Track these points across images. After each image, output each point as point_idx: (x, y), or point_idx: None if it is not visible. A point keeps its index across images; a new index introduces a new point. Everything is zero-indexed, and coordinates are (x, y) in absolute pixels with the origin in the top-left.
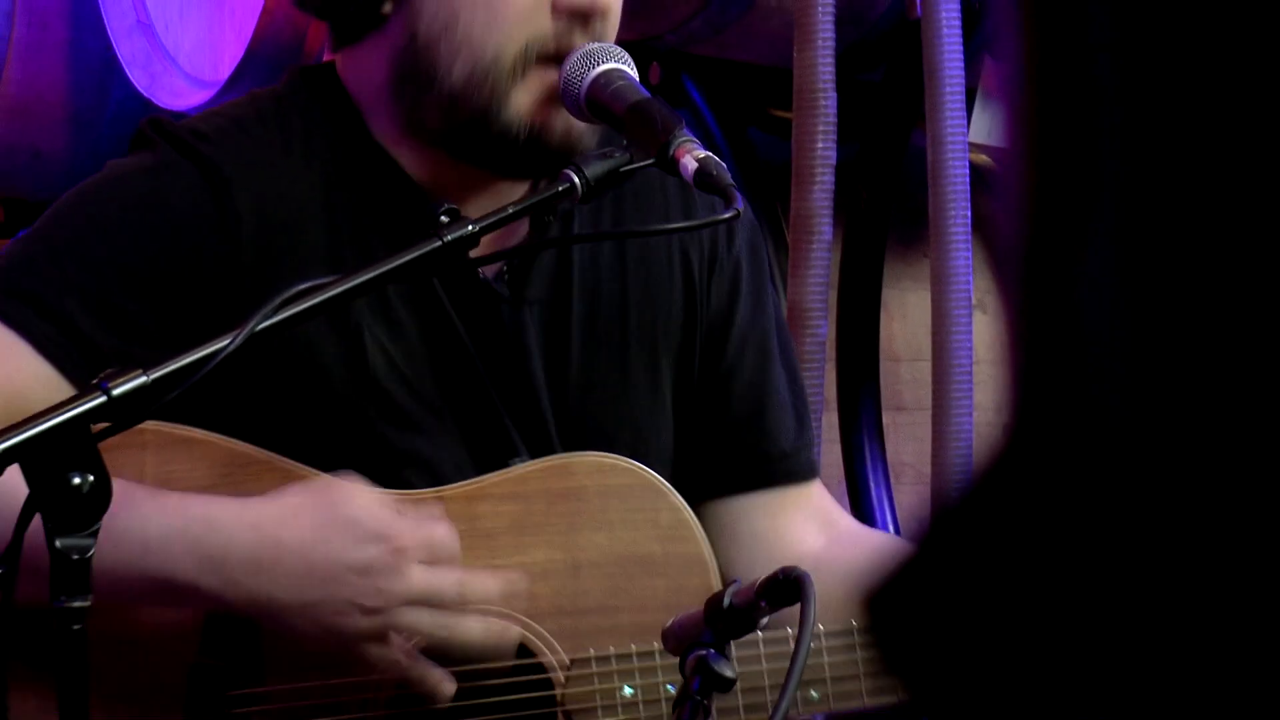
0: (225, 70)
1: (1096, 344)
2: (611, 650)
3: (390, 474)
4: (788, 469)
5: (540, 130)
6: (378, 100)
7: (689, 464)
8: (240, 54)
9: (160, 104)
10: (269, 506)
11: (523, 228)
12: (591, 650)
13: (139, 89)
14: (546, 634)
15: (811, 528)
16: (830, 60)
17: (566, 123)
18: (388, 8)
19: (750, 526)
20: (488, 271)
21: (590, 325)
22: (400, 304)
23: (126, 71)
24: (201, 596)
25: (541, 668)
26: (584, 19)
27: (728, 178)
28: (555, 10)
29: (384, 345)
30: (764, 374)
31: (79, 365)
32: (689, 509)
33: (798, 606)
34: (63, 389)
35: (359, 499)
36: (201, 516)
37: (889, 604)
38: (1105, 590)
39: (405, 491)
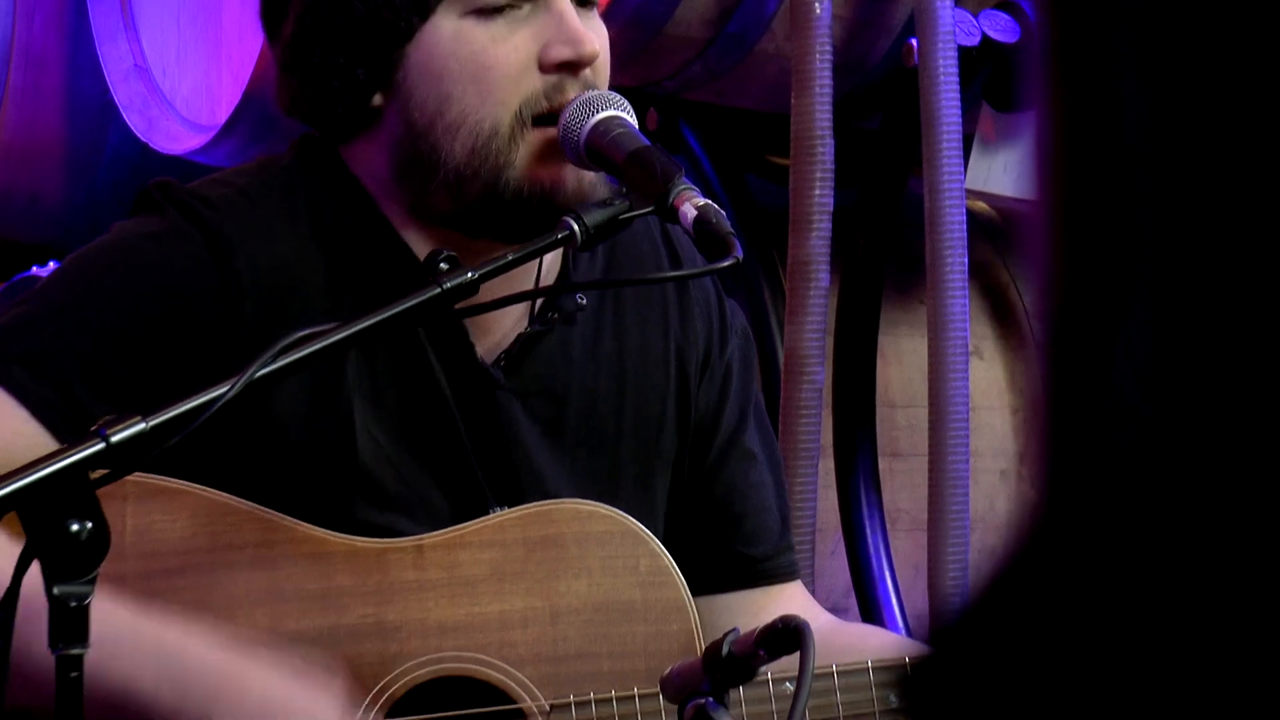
0: (222, 115)
1: (1132, 417)
2: (592, 695)
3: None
4: (770, 570)
5: (553, 189)
6: (382, 188)
7: (676, 562)
8: (237, 99)
9: (157, 148)
10: (247, 662)
11: (520, 280)
12: (572, 696)
13: (136, 133)
14: (526, 680)
15: None
16: (828, 107)
17: (578, 176)
18: (377, 100)
19: (733, 623)
20: (486, 356)
21: (585, 420)
22: (391, 384)
23: (123, 116)
24: (158, 710)
25: (521, 714)
26: (573, 70)
27: (727, 226)
28: (543, 67)
29: (372, 430)
30: (747, 479)
31: (74, 431)
32: (668, 555)
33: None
34: None
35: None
36: (176, 646)
37: (930, 684)
38: (1145, 661)
39: (386, 541)
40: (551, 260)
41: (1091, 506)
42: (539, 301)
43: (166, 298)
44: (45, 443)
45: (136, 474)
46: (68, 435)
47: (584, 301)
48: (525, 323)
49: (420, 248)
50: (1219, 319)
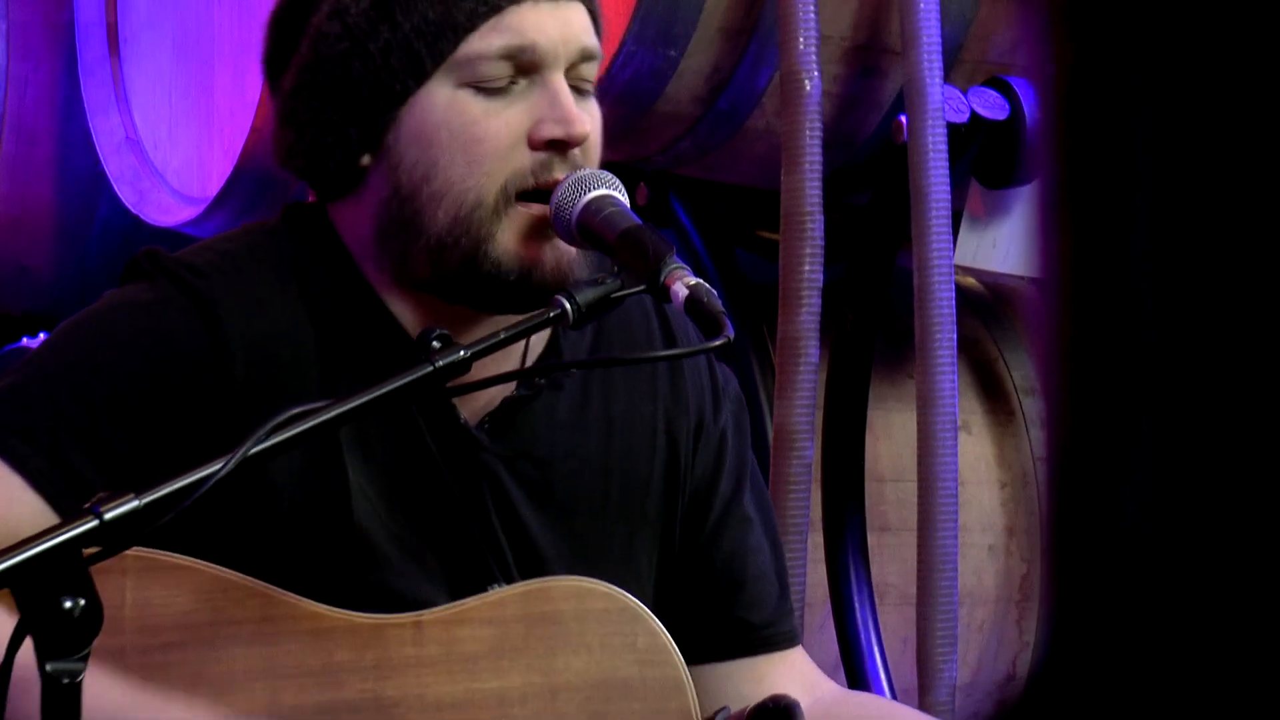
0: (214, 187)
1: (1136, 554)
2: None
3: (371, 609)
4: (770, 637)
5: (531, 267)
6: (365, 250)
7: (672, 631)
8: (229, 171)
9: (148, 220)
10: None
11: (512, 357)
12: None
13: (127, 205)
14: None
15: (794, 690)
16: (818, 183)
17: (556, 255)
18: (366, 160)
19: (735, 691)
20: (470, 418)
21: (571, 484)
22: (381, 447)
23: (115, 188)
24: None
25: None
26: (562, 149)
27: (718, 305)
28: (532, 144)
29: (366, 491)
30: (745, 544)
31: (71, 500)
32: (666, 633)
33: None
34: (52, 523)
35: None
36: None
37: None
38: None
39: (385, 616)
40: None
41: (1102, 624)
42: (525, 365)
43: (159, 365)
44: (42, 512)
45: (136, 549)
46: (65, 505)
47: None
48: (511, 387)
49: (402, 311)
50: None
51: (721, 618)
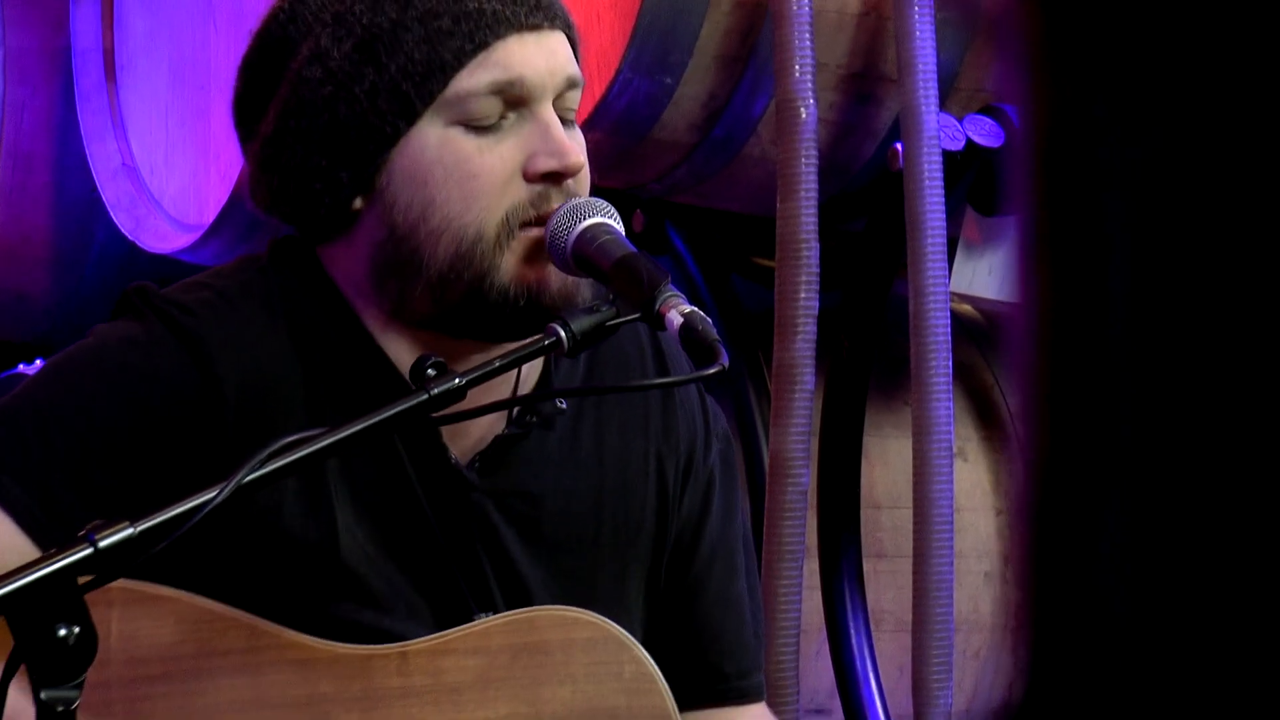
0: (210, 214)
1: (1114, 586)
2: None
3: (356, 644)
4: (741, 689)
5: (537, 290)
6: (357, 290)
7: None
8: (225, 199)
9: (145, 247)
10: None
11: (500, 382)
12: None
13: (123, 232)
14: None
15: None
16: (813, 210)
17: (562, 277)
18: (358, 203)
19: None
20: (461, 457)
21: (561, 522)
22: (368, 484)
23: (111, 214)
24: None
25: None
26: (557, 180)
27: (713, 333)
28: (527, 177)
29: (352, 528)
30: (729, 591)
31: (59, 540)
32: (652, 662)
33: None
34: None
35: None
36: None
37: None
38: None
39: (371, 647)
40: (532, 362)
41: (1080, 671)
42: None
43: (149, 404)
44: (30, 552)
45: (122, 580)
46: (52, 544)
47: (564, 406)
48: (502, 424)
49: (397, 350)
50: (1191, 510)
51: (695, 663)
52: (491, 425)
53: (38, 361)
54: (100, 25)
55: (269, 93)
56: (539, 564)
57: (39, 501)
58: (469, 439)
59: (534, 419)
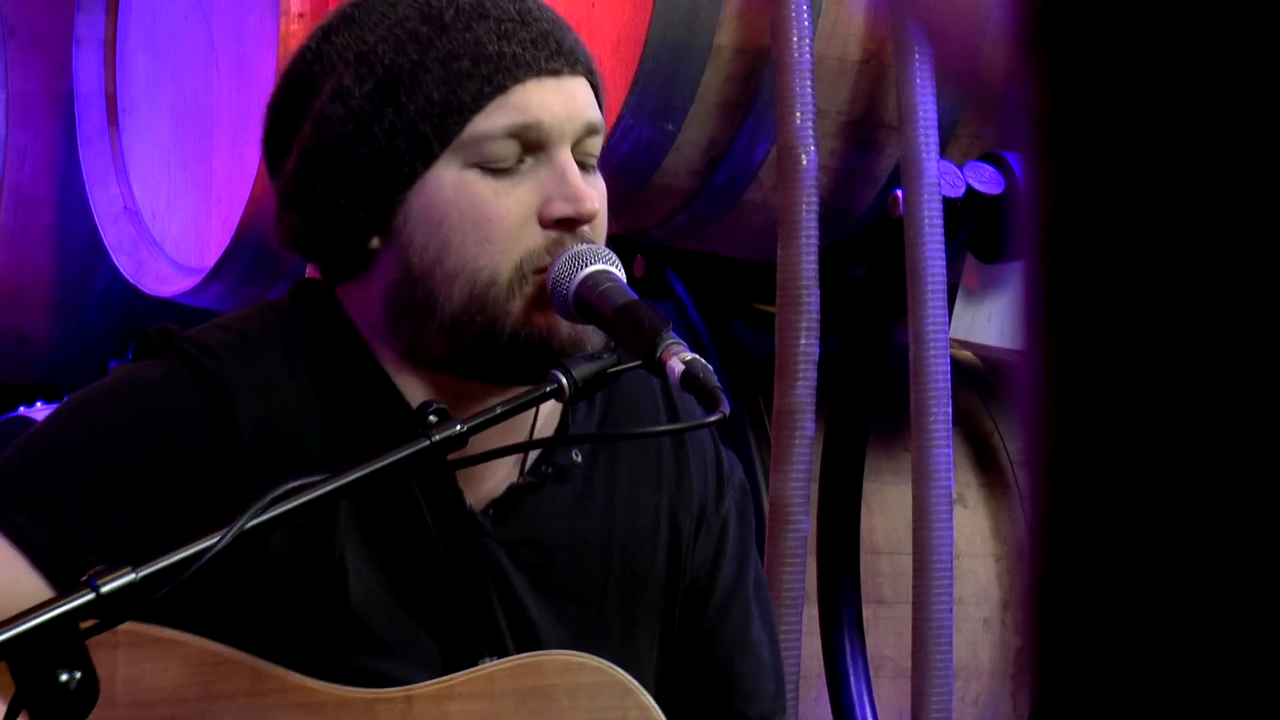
0: (211, 258)
1: (1115, 630)
2: None
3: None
4: None
5: (549, 335)
6: (374, 331)
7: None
8: (226, 242)
9: (146, 290)
10: None
11: (514, 429)
12: None
13: (125, 275)
14: None
15: None
16: (814, 256)
17: (572, 323)
18: (375, 243)
19: None
20: (475, 504)
21: (572, 571)
22: (382, 528)
23: (113, 258)
24: None
25: None
26: (572, 226)
27: (714, 380)
28: (543, 222)
29: (363, 573)
30: (746, 637)
31: (72, 578)
32: (657, 707)
33: None
34: None
35: None
36: None
37: None
38: None
39: (375, 691)
40: (550, 411)
41: (1084, 700)
42: (533, 453)
43: (167, 444)
44: (42, 591)
45: (128, 623)
46: (65, 583)
47: (579, 459)
48: (518, 473)
49: (412, 390)
50: (1197, 561)
51: (719, 709)
52: (506, 474)
53: (38, 404)
54: (103, 69)
55: (293, 130)
56: (549, 611)
57: (55, 540)
58: (485, 486)
59: (549, 469)
